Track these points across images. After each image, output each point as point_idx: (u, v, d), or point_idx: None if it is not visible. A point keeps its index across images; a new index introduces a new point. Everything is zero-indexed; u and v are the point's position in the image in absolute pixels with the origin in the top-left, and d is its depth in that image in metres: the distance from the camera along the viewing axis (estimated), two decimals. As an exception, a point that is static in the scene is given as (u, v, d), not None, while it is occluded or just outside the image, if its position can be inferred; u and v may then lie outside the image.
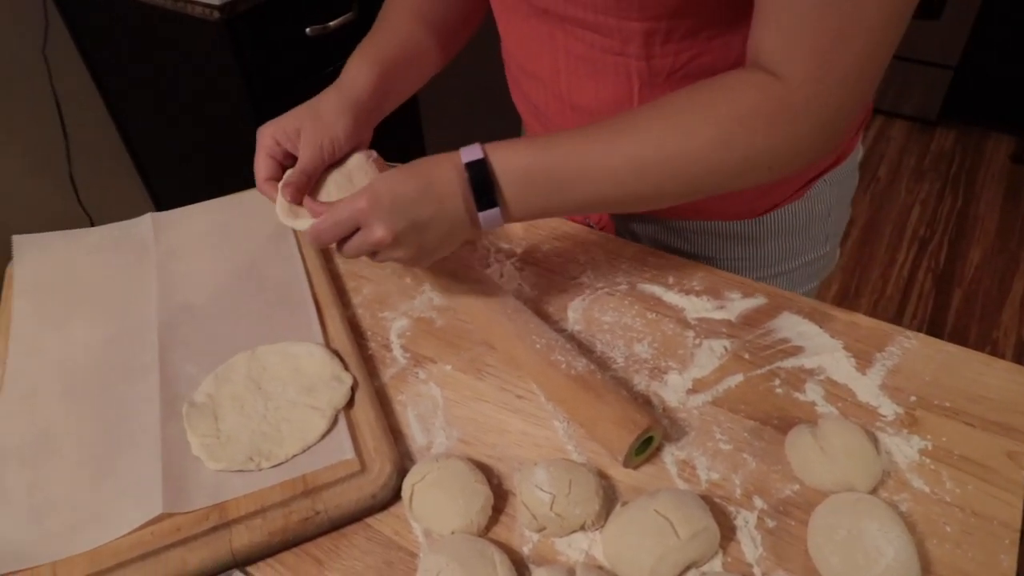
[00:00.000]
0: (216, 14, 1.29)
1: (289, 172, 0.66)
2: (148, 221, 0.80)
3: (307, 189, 0.66)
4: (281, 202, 0.65)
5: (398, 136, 1.88)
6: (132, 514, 0.53)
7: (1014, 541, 0.50)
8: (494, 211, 0.56)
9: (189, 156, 1.73)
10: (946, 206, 2.36)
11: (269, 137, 0.67)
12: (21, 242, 0.76)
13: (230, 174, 1.22)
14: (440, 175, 0.56)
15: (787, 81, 0.50)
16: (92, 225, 1.07)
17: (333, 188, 0.67)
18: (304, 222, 0.62)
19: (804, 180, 0.75)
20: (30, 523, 0.53)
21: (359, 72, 0.69)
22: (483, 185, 0.55)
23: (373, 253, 0.59)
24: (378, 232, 0.56)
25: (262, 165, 0.68)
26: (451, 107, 2.04)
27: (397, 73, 0.72)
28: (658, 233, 0.81)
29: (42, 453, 0.58)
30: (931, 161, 2.55)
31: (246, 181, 0.88)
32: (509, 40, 0.74)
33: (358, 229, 0.57)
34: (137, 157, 1.84)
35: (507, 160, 0.55)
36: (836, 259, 0.85)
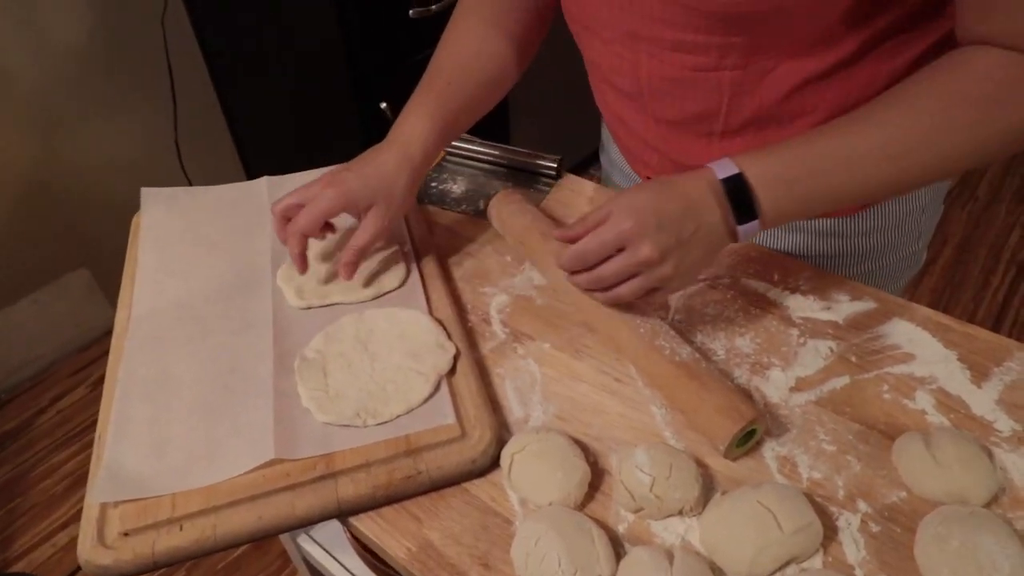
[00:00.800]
0: (326, -7, 1.34)
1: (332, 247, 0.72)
2: (263, 183, 0.84)
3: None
4: (292, 274, 0.70)
5: (484, 126, 1.91)
6: (245, 457, 0.56)
7: None
8: (754, 223, 0.56)
9: (285, 131, 1.80)
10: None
11: (335, 201, 0.66)
12: (148, 194, 0.81)
13: (323, 150, 1.26)
14: (696, 192, 0.56)
15: None
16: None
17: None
18: (306, 303, 0.68)
19: None
20: (151, 455, 0.57)
21: (423, 133, 0.69)
22: (742, 198, 0.55)
23: (632, 276, 0.57)
24: (645, 250, 0.55)
25: (311, 223, 0.66)
26: (539, 97, 2.04)
27: (460, 120, 0.73)
28: None
29: (163, 392, 0.62)
30: (1032, 179, 2.41)
31: (339, 158, 0.90)
32: (590, 58, 0.74)
33: (621, 250, 0.56)
34: (236, 129, 1.92)
35: (761, 171, 0.55)
36: (923, 260, 0.82)
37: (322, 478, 0.55)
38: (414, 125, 0.70)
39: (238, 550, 1.51)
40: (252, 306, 0.69)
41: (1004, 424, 0.57)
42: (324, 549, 0.90)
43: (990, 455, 0.54)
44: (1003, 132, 0.53)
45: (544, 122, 2.14)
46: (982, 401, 0.59)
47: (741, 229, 0.56)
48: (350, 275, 0.67)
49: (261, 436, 0.57)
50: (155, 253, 0.75)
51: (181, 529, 0.52)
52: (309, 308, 0.69)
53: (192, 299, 0.70)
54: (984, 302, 2.01)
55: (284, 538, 0.94)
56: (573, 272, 0.60)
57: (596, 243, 0.57)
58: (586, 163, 2.52)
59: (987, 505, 0.52)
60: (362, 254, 0.67)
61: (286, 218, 0.67)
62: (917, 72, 0.55)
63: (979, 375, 0.61)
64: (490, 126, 2.00)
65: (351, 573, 0.90)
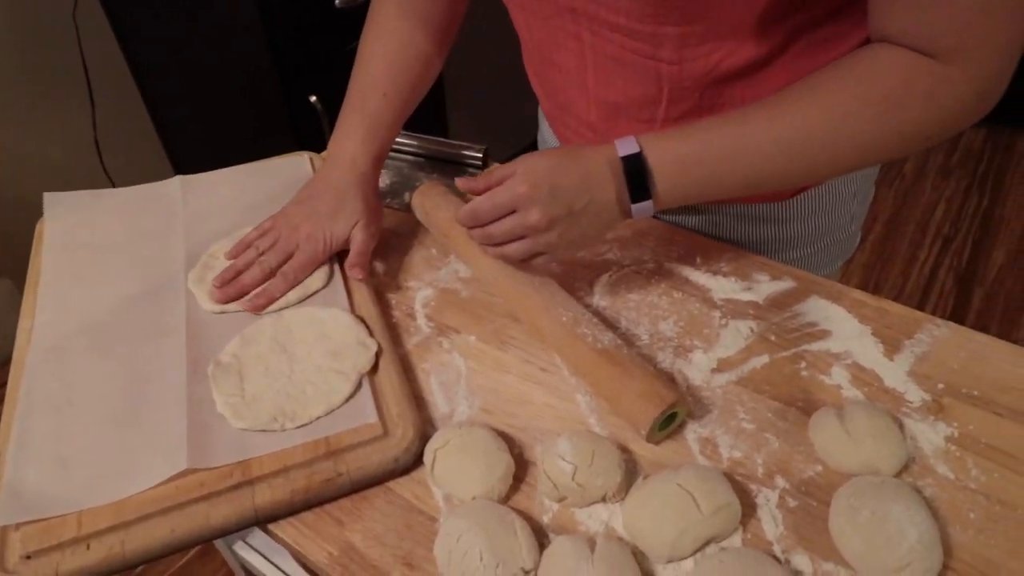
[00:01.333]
0: (245, -17, 1.29)
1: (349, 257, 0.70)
2: (176, 183, 0.81)
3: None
4: (205, 276, 0.69)
5: (422, 116, 1.88)
6: (157, 468, 0.53)
7: (1040, 531, 0.50)
8: (647, 203, 0.57)
9: (212, 125, 1.74)
10: (972, 205, 2.32)
11: (314, 257, 0.69)
12: (52, 199, 0.77)
13: (251, 144, 1.23)
14: (595, 167, 0.57)
15: (940, 56, 0.50)
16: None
17: None
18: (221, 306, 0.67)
19: None
20: (56, 472, 0.54)
21: (360, 149, 0.72)
22: (639, 178, 0.56)
23: (520, 238, 0.60)
24: (534, 216, 0.57)
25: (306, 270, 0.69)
26: (475, 88, 2.03)
27: (396, 127, 0.76)
28: (680, 216, 0.81)
29: (68, 405, 0.59)
30: (959, 159, 2.51)
31: (266, 150, 0.88)
32: (529, 37, 0.73)
33: (512, 212, 0.59)
34: (160, 124, 1.85)
35: (662, 152, 0.56)
36: (858, 241, 0.85)
37: (238, 486, 0.53)
38: (356, 145, 0.72)
39: (183, 558, 1.47)
40: (164, 312, 0.67)
41: (914, 395, 0.59)
42: (261, 555, 0.88)
43: (901, 426, 0.56)
44: (898, 133, 0.53)
45: (481, 115, 2.13)
46: (894, 374, 0.60)
47: (635, 208, 0.57)
48: (367, 278, 0.70)
49: (173, 446, 0.55)
50: (59, 260, 0.72)
51: (88, 548, 0.50)
52: (224, 312, 0.66)
53: (99, 308, 0.67)
54: (912, 275, 2.09)
55: (220, 546, 0.92)
56: (468, 227, 0.63)
57: (490, 204, 0.59)
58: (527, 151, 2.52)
59: (898, 474, 0.53)
60: (367, 257, 0.71)
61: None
62: (824, 68, 0.55)
63: (891, 348, 0.62)
64: (427, 120, 1.98)
65: (290, 578, 0.88)
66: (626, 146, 0.56)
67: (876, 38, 0.54)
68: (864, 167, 0.58)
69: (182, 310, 0.66)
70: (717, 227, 0.78)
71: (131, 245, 0.74)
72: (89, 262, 0.72)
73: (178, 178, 0.81)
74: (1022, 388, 0.59)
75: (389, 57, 0.74)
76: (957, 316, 1.95)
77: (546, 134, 0.91)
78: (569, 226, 0.58)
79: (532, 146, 0.94)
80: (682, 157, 0.56)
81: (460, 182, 0.64)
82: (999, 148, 2.56)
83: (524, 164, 0.58)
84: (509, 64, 2.27)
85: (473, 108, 2.06)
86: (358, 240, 0.69)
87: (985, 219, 2.27)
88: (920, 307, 1.97)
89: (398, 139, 0.87)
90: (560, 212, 0.57)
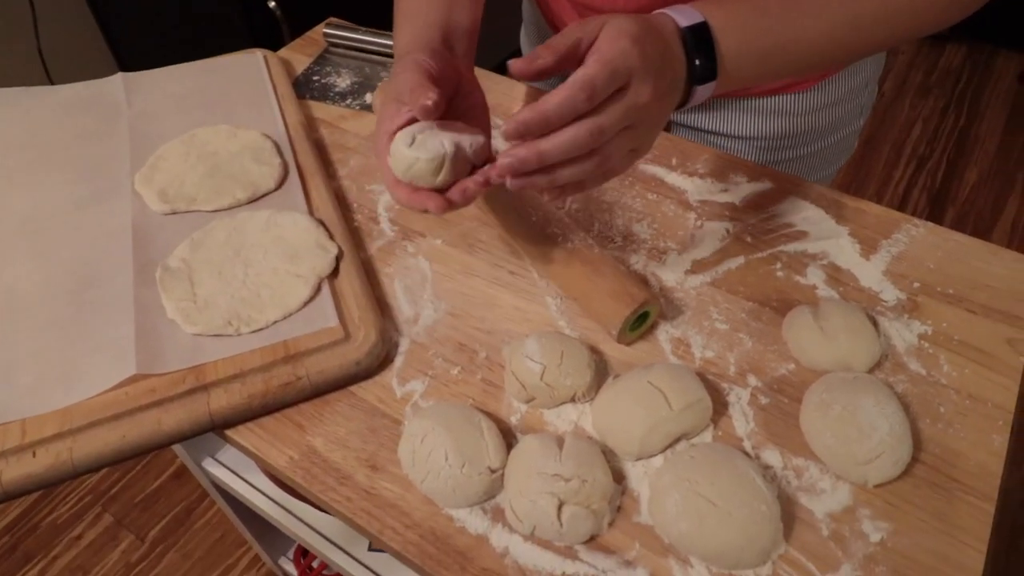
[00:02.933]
0: None
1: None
2: (119, 81, 0.75)
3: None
4: (152, 177, 0.63)
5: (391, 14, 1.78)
6: (104, 374, 0.51)
7: (1007, 423, 0.50)
8: (709, 84, 0.47)
9: (162, 29, 1.63)
10: (948, 124, 2.31)
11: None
12: (-18, 97, 0.71)
13: (208, 50, 1.15)
14: (670, 37, 0.46)
15: None
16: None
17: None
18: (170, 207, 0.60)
19: None
20: (-2, 380, 0.51)
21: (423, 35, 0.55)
22: (705, 53, 0.46)
23: (620, 131, 0.44)
24: (645, 94, 0.43)
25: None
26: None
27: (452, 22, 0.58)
28: (692, 115, 0.76)
29: (8, 311, 0.56)
30: (938, 78, 2.48)
31: (220, 52, 0.82)
32: None
33: (622, 89, 0.43)
34: (106, 27, 1.73)
35: (725, 26, 0.47)
36: (855, 143, 0.82)
37: (192, 391, 0.51)
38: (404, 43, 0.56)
39: (155, 482, 1.47)
40: (108, 215, 0.62)
41: (890, 294, 0.58)
42: (230, 470, 0.87)
43: (875, 324, 0.55)
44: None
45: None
46: (870, 273, 0.59)
47: (698, 89, 0.48)
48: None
49: (121, 352, 0.52)
50: (-7, 162, 0.67)
51: (34, 456, 0.48)
52: (174, 213, 0.62)
53: (39, 211, 0.63)
54: (887, 195, 2.08)
55: (189, 464, 0.90)
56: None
57: (606, 73, 0.41)
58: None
59: (871, 371, 0.52)
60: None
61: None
62: None
63: (868, 248, 0.61)
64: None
65: (262, 492, 0.87)
66: (687, 15, 0.46)
67: None
68: (923, 33, 0.51)
69: (127, 212, 0.62)
70: (730, 124, 0.74)
71: (71, 146, 0.69)
72: (27, 163, 0.67)
73: (120, 75, 0.75)
74: (996, 286, 0.58)
75: None
76: (928, 235, 1.96)
77: (533, 29, 0.84)
78: (661, 110, 0.46)
79: (517, 53, 0.87)
80: (745, 26, 0.48)
81: (519, 65, 0.43)
82: (978, 67, 2.53)
83: (613, 25, 0.43)
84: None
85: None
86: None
87: (960, 138, 2.26)
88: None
89: (358, 35, 0.82)
90: (664, 88, 0.45)
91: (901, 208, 2.03)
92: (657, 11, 0.48)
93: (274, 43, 1.42)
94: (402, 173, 0.48)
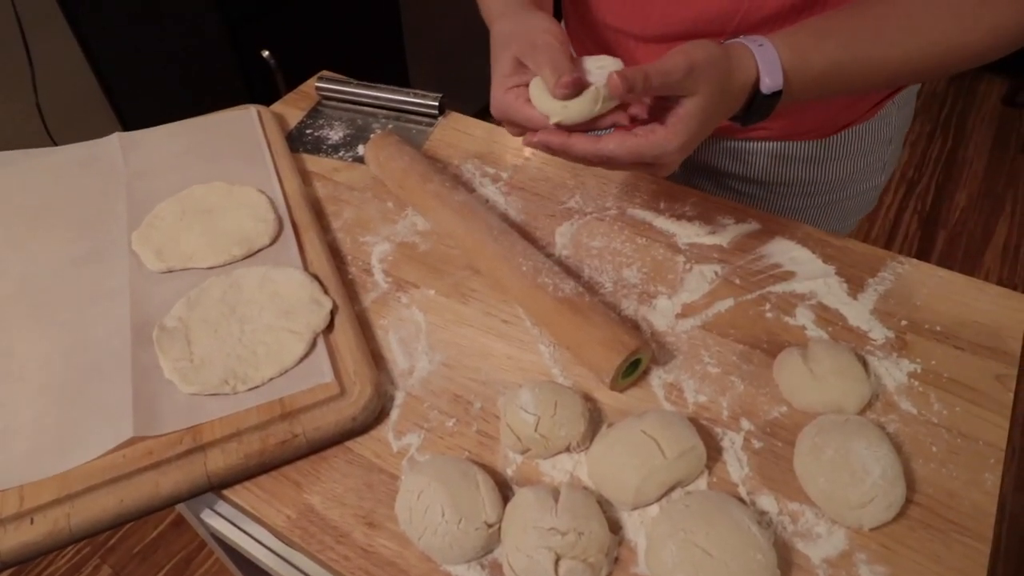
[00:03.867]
0: (184, -71, 1.22)
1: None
2: (115, 141, 0.76)
3: None
4: (150, 236, 0.65)
5: (380, 68, 1.82)
6: (101, 438, 0.51)
7: (999, 460, 0.50)
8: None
9: (160, 82, 1.66)
10: (936, 148, 2.34)
11: (508, 84, 0.55)
12: (-20, 161, 0.73)
13: (201, 99, 1.17)
14: (740, 97, 0.52)
15: None
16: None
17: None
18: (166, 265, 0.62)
19: (878, 98, 0.72)
20: (-4, 446, 0.52)
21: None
22: (767, 110, 0.53)
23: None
24: (667, 170, 0.52)
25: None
26: (435, 39, 1.96)
27: None
28: (712, 156, 0.77)
29: (6, 375, 0.56)
30: (923, 103, 2.52)
31: (217, 104, 0.84)
32: None
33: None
34: (106, 84, 1.76)
35: (803, 77, 0.51)
36: (877, 198, 0.82)
37: (189, 452, 0.51)
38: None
39: (154, 531, 1.45)
40: (106, 275, 0.63)
41: (878, 333, 0.58)
42: (229, 521, 0.87)
43: (865, 364, 0.55)
44: (1011, 42, 0.51)
45: (442, 67, 2.07)
46: (858, 312, 0.60)
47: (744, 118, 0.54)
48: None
49: (119, 414, 0.52)
50: (-9, 225, 0.68)
51: (32, 523, 0.48)
52: (171, 271, 0.63)
53: (37, 273, 0.64)
54: (878, 220, 2.10)
55: (188, 515, 0.90)
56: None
57: (629, 157, 0.50)
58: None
59: (862, 412, 0.53)
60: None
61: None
62: None
63: (855, 287, 0.62)
64: (386, 72, 1.91)
65: (260, 543, 0.87)
66: (774, 79, 0.51)
67: None
68: (963, 64, 0.54)
69: (125, 272, 0.63)
70: (750, 168, 0.76)
71: (69, 206, 0.70)
72: (25, 224, 0.68)
73: (116, 135, 0.77)
74: (983, 321, 0.58)
75: None
76: (921, 258, 1.97)
77: None
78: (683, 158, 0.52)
79: (487, 108, 0.88)
80: (817, 76, 0.52)
81: (618, 79, 0.47)
82: (962, 91, 2.57)
83: (686, 109, 0.49)
84: (471, 14, 2.20)
85: (433, 60, 2.00)
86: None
87: (948, 162, 2.29)
88: (886, 248, 2.00)
89: (350, 89, 0.84)
90: (691, 150, 0.52)
91: (893, 232, 2.05)
92: (739, 45, 0.51)
93: (269, 92, 1.45)
94: (562, 109, 0.50)
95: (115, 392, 0.54)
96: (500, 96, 0.54)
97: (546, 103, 0.51)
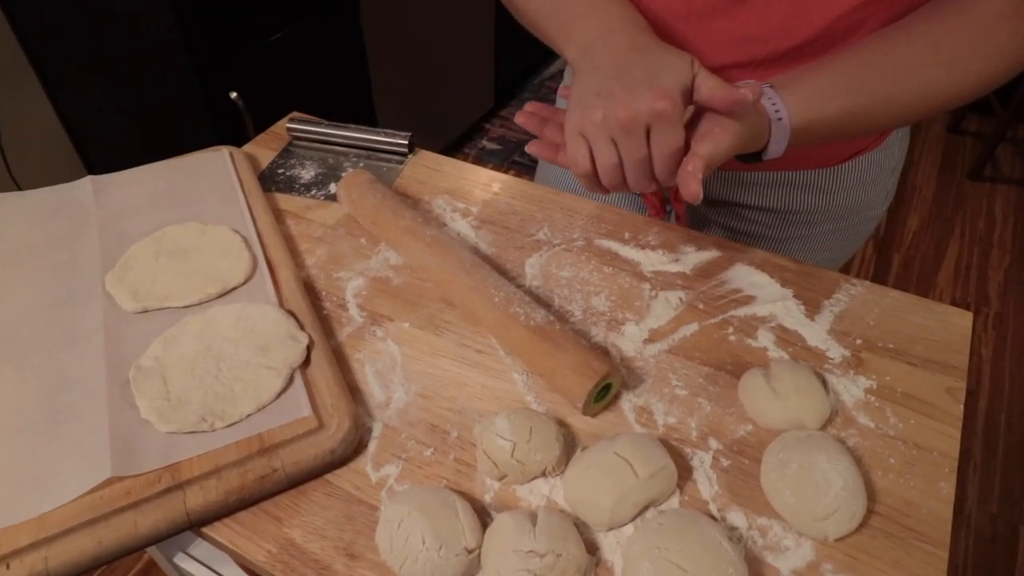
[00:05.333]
0: (152, -25, 1.24)
1: None
2: (87, 184, 0.77)
3: None
4: (124, 277, 0.66)
5: (349, 108, 1.84)
6: (79, 479, 0.51)
7: (952, 469, 0.53)
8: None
9: (128, 125, 1.67)
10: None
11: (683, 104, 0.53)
12: (-52, 207, 0.72)
13: (169, 142, 1.18)
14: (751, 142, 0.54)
15: None
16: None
17: None
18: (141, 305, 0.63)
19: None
20: (-31, 492, 0.51)
21: (620, 10, 0.60)
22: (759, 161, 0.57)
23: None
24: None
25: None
26: (401, 80, 2.00)
27: None
28: (722, 187, 0.80)
29: (-20, 422, 0.56)
30: (873, 132, 2.62)
31: (186, 147, 0.85)
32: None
33: None
34: (73, 130, 1.76)
35: (807, 123, 0.55)
36: (873, 228, 0.86)
37: (168, 491, 0.51)
38: (615, 8, 0.60)
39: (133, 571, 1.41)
40: (80, 317, 0.63)
41: (835, 352, 0.61)
42: (202, 564, 0.86)
43: (824, 382, 0.58)
44: (993, 84, 0.55)
45: (409, 107, 2.10)
46: (815, 333, 0.63)
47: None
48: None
49: (95, 455, 0.52)
50: (-40, 270, 0.67)
51: (8, 568, 0.47)
52: (146, 311, 0.64)
53: (8, 316, 0.64)
54: (836, 245, 2.17)
55: (160, 560, 0.89)
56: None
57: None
58: (459, 143, 2.51)
59: (823, 428, 0.55)
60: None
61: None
62: (948, 9, 0.55)
63: (812, 309, 0.65)
64: (355, 112, 1.94)
65: (236, 586, 0.85)
66: (775, 149, 0.55)
67: None
68: (951, 107, 0.58)
69: (100, 314, 0.63)
70: (763, 197, 0.78)
71: (41, 250, 0.70)
72: (-5, 271, 0.68)
73: (88, 178, 0.78)
74: (932, 338, 0.62)
75: None
76: (878, 281, 2.04)
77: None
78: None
79: (462, 137, 0.91)
80: (814, 136, 0.56)
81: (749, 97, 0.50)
82: (909, 120, 2.69)
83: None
84: (438, 56, 2.25)
85: (400, 99, 2.04)
86: (706, 78, 0.51)
87: (899, 188, 2.37)
88: (844, 273, 2.07)
89: (321, 129, 0.86)
90: None
91: (850, 258, 2.12)
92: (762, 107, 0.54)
93: (238, 133, 1.47)
94: None
95: (92, 433, 0.54)
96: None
97: None
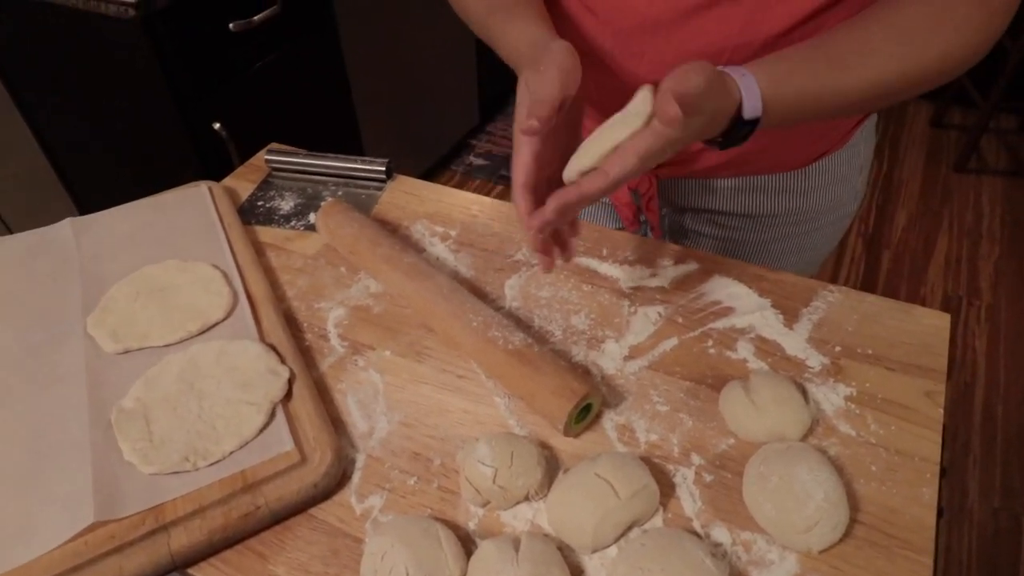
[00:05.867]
0: (131, 12, 1.25)
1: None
2: (67, 226, 0.77)
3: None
4: (105, 319, 0.66)
5: (334, 136, 1.85)
6: (62, 525, 0.51)
7: (934, 474, 0.53)
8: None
9: (113, 160, 1.67)
10: (872, 172, 2.44)
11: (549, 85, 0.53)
12: (-71, 255, 0.73)
13: (156, 173, 1.18)
14: (723, 118, 0.53)
15: None
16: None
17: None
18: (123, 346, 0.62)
19: (850, 125, 0.76)
20: (-46, 544, 0.51)
21: (532, 28, 0.61)
22: (744, 133, 0.55)
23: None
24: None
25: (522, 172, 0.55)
26: (385, 104, 2.01)
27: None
28: (695, 195, 0.81)
29: (-37, 471, 0.56)
30: (857, 130, 2.64)
31: (174, 181, 0.85)
32: (589, 3, 0.67)
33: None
34: (59, 165, 1.77)
35: (777, 107, 0.54)
36: (846, 227, 0.86)
37: (152, 533, 0.51)
38: (516, 34, 0.61)
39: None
40: (61, 359, 0.64)
41: (814, 360, 0.61)
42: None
43: (804, 391, 0.58)
44: (954, 68, 0.56)
45: (393, 131, 2.11)
46: (794, 342, 0.63)
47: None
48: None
49: (78, 500, 0.52)
50: (-58, 318, 0.68)
51: (-7, 619, 0.47)
52: (127, 352, 0.64)
53: (-10, 362, 0.64)
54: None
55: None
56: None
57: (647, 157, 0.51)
58: (447, 160, 2.52)
59: (804, 438, 0.55)
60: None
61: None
62: (881, 3, 0.56)
63: (791, 318, 0.65)
64: (340, 140, 1.95)
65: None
66: (754, 106, 0.53)
67: None
68: (915, 90, 0.58)
69: (81, 356, 0.64)
70: (737, 203, 0.79)
71: (23, 294, 0.70)
72: (-24, 317, 0.68)
73: (68, 220, 0.78)
74: (910, 342, 0.62)
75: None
76: (869, 278, 2.05)
77: None
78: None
79: (450, 154, 0.91)
80: (790, 106, 0.55)
81: (674, 116, 0.48)
82: (892, 116, 2.70)
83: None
84: (420, 74, 2.26)
85: (385, 123, 2.05)
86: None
87: (886, 184, 2.39)
88: (835, 273, 2.07)
89: (298, 159, 0.86)
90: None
91: (840, 256, 2.13)
92: (724, 72, 0.53)
93: (223, 163, 1.47)
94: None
95: (74, 478, 0.54)
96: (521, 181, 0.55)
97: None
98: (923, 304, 1.91)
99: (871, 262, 2.11)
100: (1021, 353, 1.81)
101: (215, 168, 1.42)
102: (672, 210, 0.85)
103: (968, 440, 1.63)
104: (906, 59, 0.55)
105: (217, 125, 1.47)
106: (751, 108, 0.54)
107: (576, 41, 0.71)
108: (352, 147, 1.94)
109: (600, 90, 0.72)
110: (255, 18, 1.46)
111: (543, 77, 0.53)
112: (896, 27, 0.55)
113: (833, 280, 2.04)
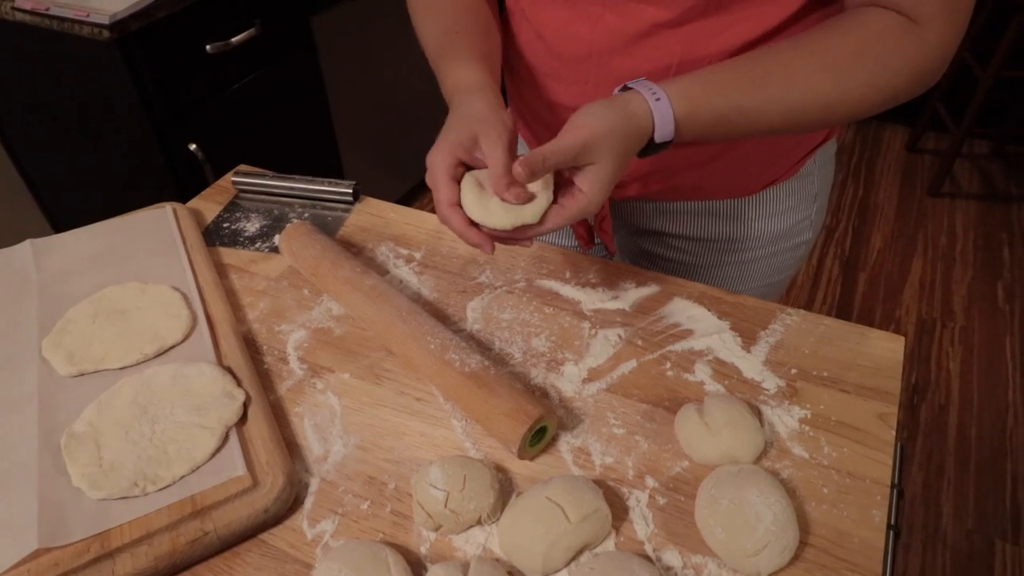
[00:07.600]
0: (106, 33, 1.25)
1: (483, 173, 0.59)
2: (27, 248, 0.77)
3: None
4: (61, 341, 0.65)
5: (313, 159, 1.86)
6: (5, 553, 0.50)
7: (885, 496, 0.53)
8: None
9: (89, 182, 1.67)
10: (849, 195, 2.48)
11: (448, 158, 0.58)
12: None
13: (133, 197, 1.18)
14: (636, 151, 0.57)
15: (923, 23, 0.54)
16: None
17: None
18: (492, 215, 0.56)
19: (800, 155, 0.76)
20: None
21: (472, 71, 0.64)
22: (659, 150, 0.58)
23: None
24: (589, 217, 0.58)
25: (446, 191, 0.58)
26: (365, 125, 2.02)
27: (493, 57, 0.69)
28: (650, 219, 0.82)
29: (-93, 497, 0.55)
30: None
31: (150, 202, 0.85)
32: (536, 26, 0.70)
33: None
34: (34, 187, 1.76)
35: (692, 127, 0.56)
36: (806, 253, 0.87)
37: (96, 560, 0.50)
38: (459, 73, 0.65)
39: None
40: (14, 383, 0.63)
41: (770, 382, 0.62)
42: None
43: (759, 414, 0.59)
44: (882, 99, 0.57)
45: (374, 153, 2.12)
46: (751, 364, 0.63)
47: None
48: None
49: (23, 527, 0.51)
50: None
51: (-73, 651, 0.46)
52: (82, 375, 0.63)
53: (-59, 386, 0.63)
54: (802, 268, 2.20)
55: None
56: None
57: (568, 223, 0.56)
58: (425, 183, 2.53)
59: (757, 460, 0.56)
60: (508, 172, 0.55)
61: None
62: (831, 22, 0.57)
63: (748, 340, 0.66)
64: (320, 162, 1.95)
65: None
66: (665, 132, 0.56)
67: (866, 2, 0.56)
68: (839, 116, 0.59)
69: (34, 379, 0.63)
70: (688, 227, 0.80)
71: (-24, 317, 0.69)
72: (-71, 340, 0.67)
73: (28, 242, 0.77)
74: (865, 364, 0.63)
75: (454, 24, 0.70)
76: (845, 301, 2.07)
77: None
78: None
79: (423, 184, 0.91)
80: (704, 126, 0.57)
81: (520, 167, 0.53)
82: (868, 141, 2.75)
83: (598, 175, 0.55)
84: (401, 95, 2.28)
85: (366, 144, 2.05)
86: (494, 158, 0.56)
87: (862, 207, 2.43)
88: (811, 295, 2.09)
89: (266, 181, 0.86)
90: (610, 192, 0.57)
91: (817, 278, 2.15)
92: (638, 97, 0.55)
93: (199, 184, 1.47)
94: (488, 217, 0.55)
95: (20, 504, 0.53)
96: (446, 205, 0.58)
97: (475, 210, 0.56)
98: (898, 326, 1.95)
99: (847, 285, 2.13)
100: (994, 375, 1.83)
101: (191, 189, 1.41)
102: (628, 232, 0.86)
103: (942, 462, 1.64)
104: (826, 85, 0.56)
105: (193, 146, 1.47)
106: (663, 133, 0.56)
107: (524, 62, 0.73)
108: (331, 169, 1.94)
109: (545, 109, 0.73)
110: (233, 40, 1.47)
111: (504, 150, 0.56)
112: (820, 53, 0.56)
113: (809, 302, 2.05)
